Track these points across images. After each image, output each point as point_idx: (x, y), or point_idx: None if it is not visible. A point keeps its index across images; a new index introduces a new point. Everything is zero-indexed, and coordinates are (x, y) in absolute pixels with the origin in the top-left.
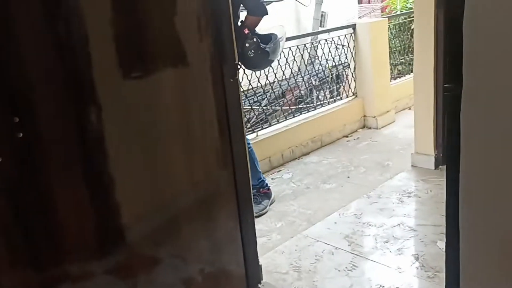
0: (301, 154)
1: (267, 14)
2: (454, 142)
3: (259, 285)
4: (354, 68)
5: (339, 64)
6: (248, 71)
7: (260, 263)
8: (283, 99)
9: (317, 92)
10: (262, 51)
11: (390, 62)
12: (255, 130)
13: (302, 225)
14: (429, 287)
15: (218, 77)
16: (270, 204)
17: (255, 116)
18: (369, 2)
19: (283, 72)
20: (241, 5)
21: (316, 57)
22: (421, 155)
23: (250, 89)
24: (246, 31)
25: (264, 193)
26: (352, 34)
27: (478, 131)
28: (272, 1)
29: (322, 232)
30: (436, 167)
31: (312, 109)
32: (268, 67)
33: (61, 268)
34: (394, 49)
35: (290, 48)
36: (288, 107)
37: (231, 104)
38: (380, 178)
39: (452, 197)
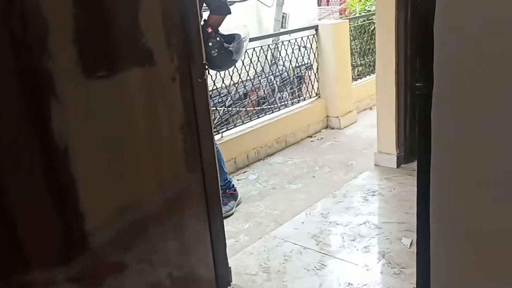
0: (266, 154)
1: (230, 13)
2: (425, 141)
3: (229, 287)
4: (317, 69)
5: (301, 65)
6: (212, 71)
7: (229, 265)
8: (246, 99)
9: (280, 93)
10: (226, 51)
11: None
12: (220, 131)
13: (270, 225)
14: (396, 283)
15: (186, 77)
16: (237, 205)
17: (219, 117)
18: (327, 4)
19: (248, 72)
20: (204, 5)
21: (279, 58)
22: (383, 154)
23: (215, 89)
24: (209, 30)
25: (231, 194)
26: (315, 36)
27: (448, 130)
28: (235, 1)
29: (290, 232)
30: (398, 165)
31: (276, 109)
32: (232, 67)
33: (24, 277)
34: (354, 50)
35: (254, 49)
36: (252, 108)
37: (200, 104)
38: (344, 178)
39: (422, 195)
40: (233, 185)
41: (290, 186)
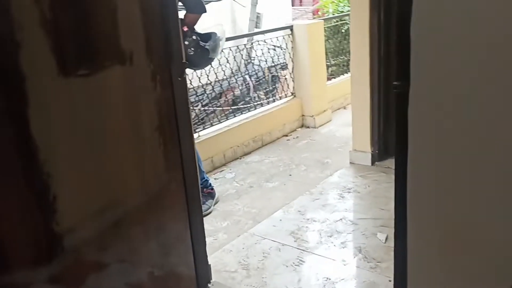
0: (242, 153)
1: (205, 12)
2: (402, 138)
3: (209, 285)
4: (292, 68)
5: (276, 65)
6: (188, 70)
7: (209, 263)
8: (223, 98)
9: (255, 92)
10: (202, 49)
11: None
12: (196, 130)
13: (248, 223)
14: (372, 277)
15: (166, 76)
16: (215, 204)
17: (196, 116)
18: (300, 5)
19: (224, 72)
20: (180, 3)
21: (254, 58)
22: (358, 152)
23: (191, 88)
24: (186, 29)
25: (208, 193)
26: (290, 35)
27: (425, 126)
28: (210, 1)
29: (268, 229)
30: (373, 163)
31: (252, 108)
32: (208, 66)
33: (3, 277)
34: (327, 50)
35: (230, 48)
36: (228, 108)
37: (179, 103)
38: (320, 175)
39: (400, 190)
40: (210, 184)
41: (267, 185)
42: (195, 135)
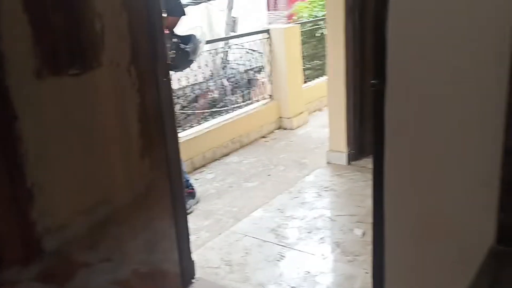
0: (222, 154)
1: (185, 15)
2: (379, 132)
3: (193, 281)
4: (270, 71)
5: (252, 68)
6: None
7: (193, 259)
8: (198, 102)
9: (232, 95)
10: (183, 51)
11: None
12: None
13: (229, 222)
14: (350, 270)
15: (152, 77)
16: (195, 204)
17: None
18: (275, 9)
19: (203, 73)
20: None
21: (230, 61)
22: (335, 152)
23: None
24: (166, 32)
25: (189, 193)
26: (267, 39)
27: (399, 121)
28: (187, 5)
29: (249, 227)
30: (349, 163)
31: (230, 111)
32: (188, 68)
33: None
34: (302, 55)
35: (210, 51)
36: (207, 110)
37: (165, 103)
38: (298, 175)
39: (377, 184)
40: (191, 184)
41: (247, 184)
42: None
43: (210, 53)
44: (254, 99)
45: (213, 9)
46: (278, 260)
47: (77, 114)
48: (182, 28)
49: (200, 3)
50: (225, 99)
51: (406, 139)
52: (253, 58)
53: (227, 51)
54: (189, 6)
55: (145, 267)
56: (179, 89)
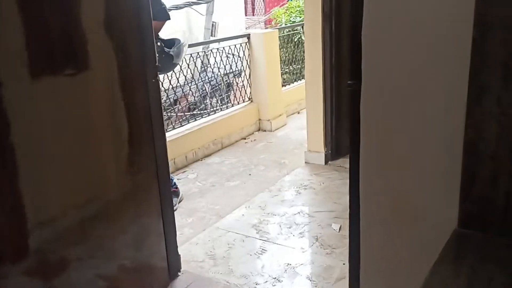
0: (203, 155)
1: (169, 19)
2: (356, 129)
3: (179, 274)
4: (249, 75)
5: (230, 73)
6: None
7: (179, 254)
8: (178, 105)
9: (210, 99)
10: (167, 55)
11: None
12: None
13: (212, 219)
14: (328, 261)
15: (142, 78)
16: (179, 202)
17: None
18: (253, 15)
19: (185, 77)
20: None
21: (209, 65)
22: (313, 153)
23: None
24: None
25: (173, 191)
26: (247, 43)
27: (374, 119)
28: (170, 9)
29: (232, 223)
30: (326, 162)
31: (212, 113)
32: (172, 71)
33: None
34: (281, 59)
35: (191, 55)
36: (184, 114)
37: (153, 103)
38: (278, 174)
39: (354, 181)
40: (174, 183)
41: (229, 183)
42: None
43: (192, 56)
44: (233, 102)
45: (193, 13)
46: (260, 254)
47: (70, 113)
48: (164, 31)
49: (182, 8)
50: (205, 102)
51: (379, 136)
52: (230, 62)
53: (207, 55)
54: (171, 11)
55: (134, 261)
56: (163, 91)
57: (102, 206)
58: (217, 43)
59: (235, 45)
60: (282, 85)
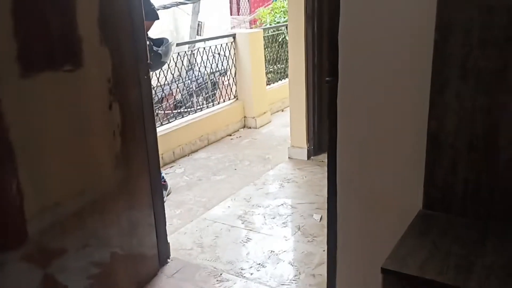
0: (190, 151)
1: (158, 19)
2: (333, 121)
3: (169, 260)
4: (235, 73)
5: (215, 72)
6: None
7: (168, 242)
8: (165, 102)
9: (196, 98)
10: (155, 53)
11: None
12: None
13: (199, 210)
14: (309, 248)
15: (135, 74)
16: (167, 195)
17: None
18: (238, 14)
19: (173, 75)
20: None
21: (195, 64)
22: (296, 148)
23: None
24: None
25: (162, 185)
26: (233, 43)
27: (349, 112)
28: (158, 9)
29: (218, 214)
30: (309, 158)
31: (199, 110)
32: (160, 69)
33: None
34: (265, 59)
35: (179, 53)
36: (170, 111)
37: (146, 98)
38: (263, 169)
39: (332, 174)
40: (163, 176)
41: (215, 178)
42: None
43: (179, 55)
44: (219, 100)
45: (179, 13)
46: (245, 242)
47: (66, 108)
48: (152, 31)
49: (169, 7)
50: (191, 100)
51: (354, 128)
52: (216, 61)
53: (193, 54)
54: (159, 10)
55: (126, 249)
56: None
57: (97, 197)
58: (203, 42)
59: (221, 44)
60: (267, 84)
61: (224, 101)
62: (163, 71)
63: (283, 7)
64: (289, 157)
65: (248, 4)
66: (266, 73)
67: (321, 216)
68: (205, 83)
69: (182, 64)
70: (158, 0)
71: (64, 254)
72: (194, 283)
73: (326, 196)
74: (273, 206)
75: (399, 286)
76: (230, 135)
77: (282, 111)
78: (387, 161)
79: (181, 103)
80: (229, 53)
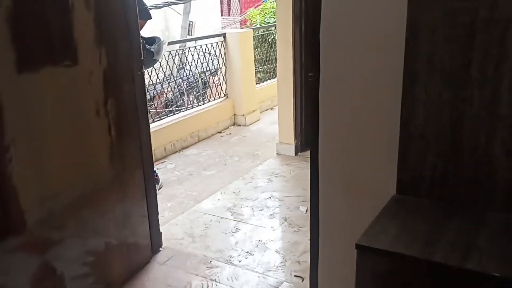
0: (181, 147)
1: (151, 18)
2: (315, 114)
3: (161, 249)
4: (225, 72)
5: (206, 71)
6: None
7: (160, 232)
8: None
9: (187, 96)
10: (148, 52)
11: None
12: None
13: (190, 203)
14: (295, 238)
15: (130, 70)
16: (159, 189)
17: None
18: (229, 15)
19: (164, 73)
20: None
21: (186, 63)
22: (284, 145)
23: None
24: None
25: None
26: (223, 42)
27: (330, 104)
28: (151, 9)
29: (208, 207)
30: (296, 154)
31: (190, 108)
32: (152, 67)
33: None
34: (255, 58)
35: (170, 52)
36: (161, 110)
37: (139, 94)
38: (252, 164)
39: (314, 168)
40: (155, 171)
41: (205, 173)
42: None
43: (170, 53)
44: (209, 99)
45: (170, 13)
46: (234, 232)
47: (64, 102)
48: (144, 30)
49: (161, 7)
50: (183, 98)
51: (334, 119)
52: (207, 61)
53: (184, 53)
54: (151, 10)
55: (120, 238)
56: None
57: (93, 189)
58: (194, 41)
59: (211, 43)
60: (256, 83)
61: (214, 99)
62: (155, 69)
63: (273, 8)
64: (277, 153)
65: (238, 5)
66: (256, 73)
67: (307, 208)
68: (196, 82)
69: (174, 63)
70: (150, 0)
71: (61, 243)
72: (185, 269)
73: None
74: (261, 199)
75: (372, 260)
76: (220, 132)
77: (271, 109)
78: (364, 152)
79: (172, 102)
80: (220, 52)
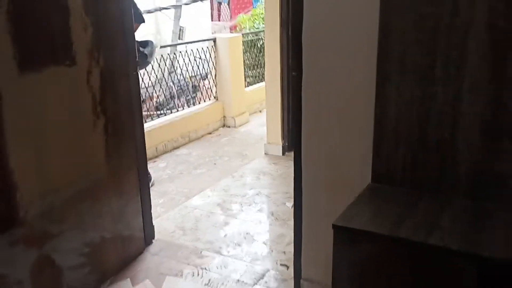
0: (172, 148)
1: (144, 22)
2: (298, 111)
3: (153, 241)
4: (215, 75)
5: (196, 75)
6: None
7: (153, 225)
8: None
9: (178, 99)
10: (141, 54)
11: None
12: None
13: (181, 199)
14: (281, 230)
15: (125, 71)
16: (151, 186)
17: None
18: (219, 20)
19: (156, 76)
20: None
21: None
22: (272, 145)
23: None
24: None
25: None
26: (213, 46)
27: (312, 100)
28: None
29: (199, 203)
30: (283, 153)
31: (181, 109)
32: (144, 68)
33: None
34: (244, 63)
35: (162, 55)
36: (153, 112)
37: (134, 93)
38: (241, 163)
39: (298, 166)
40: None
41: (196, 171)
42: None
43: (162, 57)
44: (199, 102)
45: (161, 18)
46: (223, 226)
47: (63, 101)
48: (137, 34)
49: (153, 12)
50: (174, 101)
51: (316, 110)
52: (197, 64)
53: (176, 56)
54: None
55: (115, 231)
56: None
57: (90, 184)
58: (185, 45)
59: (202, 47)
60: (246, 86)
61: (205, 101)
62: (147, 72)
63: (262, 13)
64: (265, 153)
65: (228, 11)
66: (246, 77)
67: (293, 204)
68: (186, 85)
69: (165, 65)
70: (142, 5)
71: (60, 235)
72: (177, 259)
73: None
74: (249, 195)
75: (347, 238)
76: (210, 133)
77: (260, 112)
78: (342, 144)
79: (162, 105)
80: (210, 56)
